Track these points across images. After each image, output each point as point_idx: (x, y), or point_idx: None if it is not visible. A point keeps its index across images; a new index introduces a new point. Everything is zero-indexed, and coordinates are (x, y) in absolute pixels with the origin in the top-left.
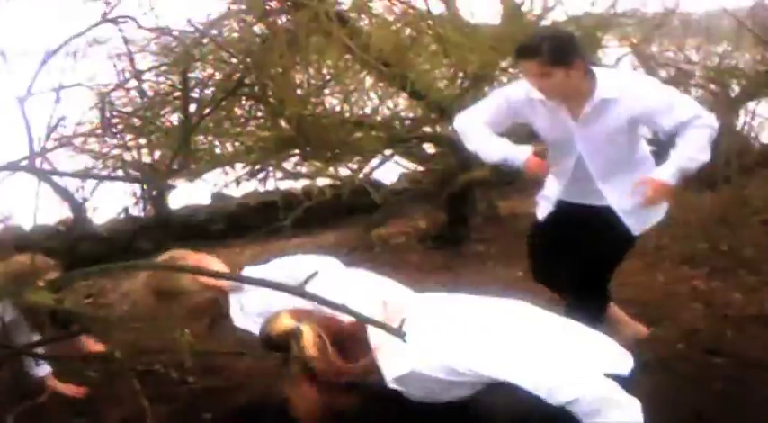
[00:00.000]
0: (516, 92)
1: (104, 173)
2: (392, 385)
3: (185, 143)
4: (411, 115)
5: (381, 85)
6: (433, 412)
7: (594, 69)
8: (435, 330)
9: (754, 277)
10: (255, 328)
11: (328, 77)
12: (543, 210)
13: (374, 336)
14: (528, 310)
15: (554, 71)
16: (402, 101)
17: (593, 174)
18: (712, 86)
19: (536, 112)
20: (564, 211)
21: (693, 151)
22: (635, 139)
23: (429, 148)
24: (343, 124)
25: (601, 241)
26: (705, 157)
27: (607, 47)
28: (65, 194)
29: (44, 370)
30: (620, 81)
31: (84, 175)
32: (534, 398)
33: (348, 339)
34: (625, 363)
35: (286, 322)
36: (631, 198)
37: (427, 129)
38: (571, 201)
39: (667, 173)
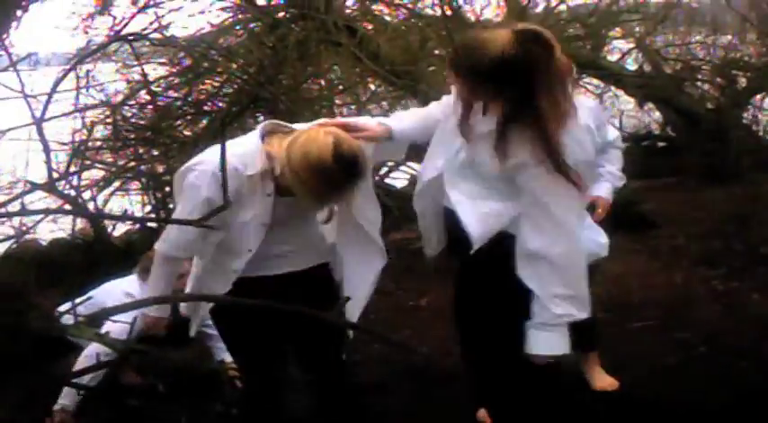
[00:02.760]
0: None
1: (117, 184)
2: None
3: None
4: None
5: (393, 93)
6: None
7: None
8: None
9: None
10: None
11: (341, 88)
12: None
13: None
14: None
15: None
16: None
17: None
18: (718, 80)
19: None
20: None
21: (620, 170)
22: None
23: None
24: None
25: None
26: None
27: (612, 43)
28: (82, 209)
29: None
30: None
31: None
32: None
33: None
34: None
35: None
36: None
37: None
38: None
39: (607, 192)
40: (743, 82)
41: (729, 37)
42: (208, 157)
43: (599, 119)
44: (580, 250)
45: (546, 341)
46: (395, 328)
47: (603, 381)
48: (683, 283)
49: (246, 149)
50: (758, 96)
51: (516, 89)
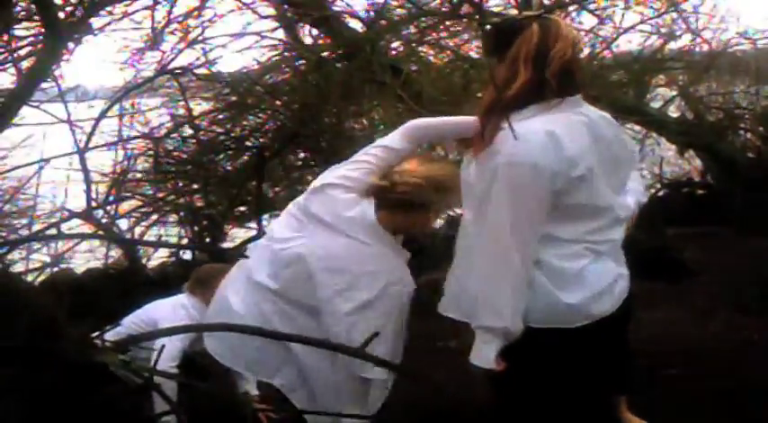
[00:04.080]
0: None
1: (155, 216)
2: None
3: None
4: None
5: None
6: None
7: None
8: None
9: None
10: None
11: (382, 127)
12: None
13: None
14: None
15: None
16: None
17: None
18: (760, 129)
19: None
20: None
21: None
22: None
23: None
24: None
25: None
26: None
27: (655, 91)
28: (118, 239)
29: None
30: None
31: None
32: None
33: None
34: None
35: None
36: None
37: None
38: None
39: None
40: None
41: None
42: None
43: None
44: (507, 255)
45: (473, 349)
46: (424, 369)
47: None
48: (720, 331)
49: None
50: None
51: (499, 52)
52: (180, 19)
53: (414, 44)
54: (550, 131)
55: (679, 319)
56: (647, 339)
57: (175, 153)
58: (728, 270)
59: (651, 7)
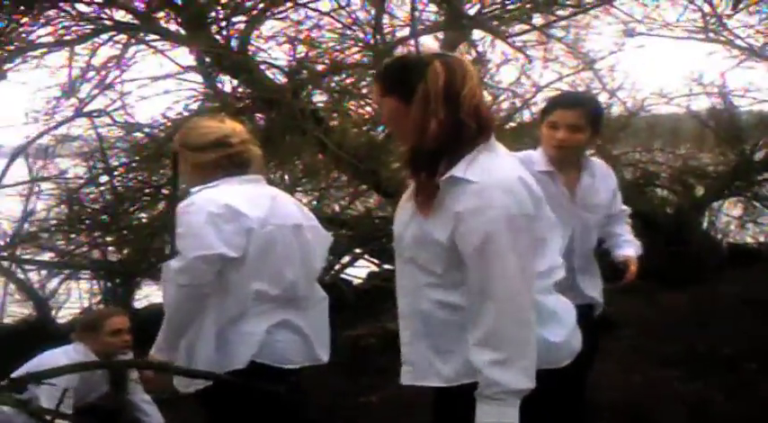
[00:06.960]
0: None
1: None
2: None
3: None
4: (381, 214)
5: (354, 183)
6: None
7: None
8: None
9: (733, 376)
10: None
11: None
12: None
13: None
14: None
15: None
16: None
17: (575, 264)
18: (678, 187)
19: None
20: None
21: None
22: None
23: None
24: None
25: (594, 345)
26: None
27: None
28: (28, 291)
29: None
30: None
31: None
32: None
33: None
34: None
35: None
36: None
37: None
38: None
39: (634, 254)
40: (701, 188)
41: (688, 145)
42: None
43: (615, 185)
44: (527, 314)
45: (488, 414)
46: None
47: None
48: (645, 384)
49: None
50: (715, 203)
51: (402, 92)
52: (98, 67)
53: (336, 95)
54: (521, 177)
55: (603, 373)
56: None
57: (88, 203)
58: (651, 323)
59: (568, 65)
